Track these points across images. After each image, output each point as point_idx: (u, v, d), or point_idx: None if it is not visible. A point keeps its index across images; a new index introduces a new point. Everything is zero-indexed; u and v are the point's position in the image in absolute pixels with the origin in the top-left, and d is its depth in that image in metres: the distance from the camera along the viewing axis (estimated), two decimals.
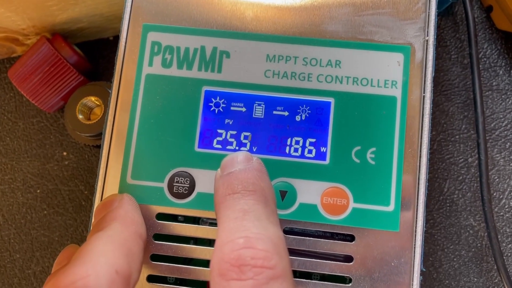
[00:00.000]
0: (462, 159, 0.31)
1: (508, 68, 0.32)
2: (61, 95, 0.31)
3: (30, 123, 0.33)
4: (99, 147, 0.30)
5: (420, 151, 0.24)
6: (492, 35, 0.32)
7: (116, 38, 0.34)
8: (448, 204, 0.31)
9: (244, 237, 0.19)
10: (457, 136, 0.32)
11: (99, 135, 0.29)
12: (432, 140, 0.32)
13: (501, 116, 0.32)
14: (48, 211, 0.32)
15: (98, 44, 0.34)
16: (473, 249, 0.30)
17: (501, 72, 0.32)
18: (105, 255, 0.19)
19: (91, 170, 0.32)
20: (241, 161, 0.22)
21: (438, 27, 0.32)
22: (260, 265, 0.18)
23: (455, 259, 0.30)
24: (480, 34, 0.32)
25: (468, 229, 0.31)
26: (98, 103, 0.30)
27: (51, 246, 0.32)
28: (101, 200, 0.24)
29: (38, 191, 0.33)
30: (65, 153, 0.33)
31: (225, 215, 0.20)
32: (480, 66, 0.32)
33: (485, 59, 0.32)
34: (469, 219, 0.31)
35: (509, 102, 0.32)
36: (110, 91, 0.25)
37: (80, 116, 0.30)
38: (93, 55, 0.33)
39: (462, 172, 0.31)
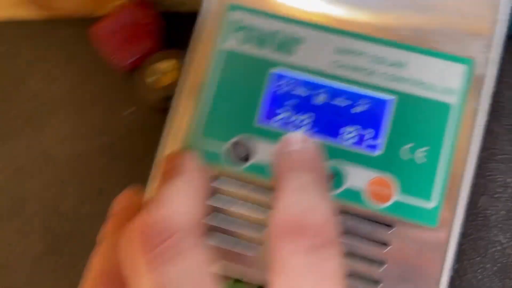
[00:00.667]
0: (501, 179, 0.33)
1: None
2: (136, 57, 0.33)
3: (102, 81, 0.36)
4: (166, 111, 0.33)
5: (469, 157, 0.25)
6: None
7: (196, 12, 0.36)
8: (480, 218, 0.32)
9: (300, 207, 0.21)
10: (499, 156, 0.33)
11: (168, 99, 0.32)
12: None
13: None
14: (107, 163, 0.35)
15: (180, 15, 0.36)
16: (498, 264, 0.32)
17: None
18: (186, 199, 0.21)
19: (154, 129, 0.35)
20: (300, 141, 0.24)
21: None
22: (313, 234, 0.20)
23: (479, 271, 0.32)
24: None
25: (496, 244, 0.32)
26: (170, 68, 0.32)
27: (105, 194, 0.34)
28: (165, 156, 0.27)
29: (99, 142, 0.35)
30: (130, 111, 0.35)
31: (283, 187, 0.22)
32: None
33: None
34: (499, 236, 0.32)
35: None
36: (184, 59, 0.28)
37: (151, 80, 0.32)
38: (173, 24, 0.36)
39: (499, 190, 0.32)
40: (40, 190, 0.35)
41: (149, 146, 0.34)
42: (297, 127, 0.27)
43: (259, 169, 0.26)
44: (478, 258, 0.32)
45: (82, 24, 0.36)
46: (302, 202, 0.21)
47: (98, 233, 0.24)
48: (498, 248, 0.32)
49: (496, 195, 0.32)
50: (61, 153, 0.35)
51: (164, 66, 0.32)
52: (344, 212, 0.26)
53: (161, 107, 0.33)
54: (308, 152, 0.23)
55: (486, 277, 0.32)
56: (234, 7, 0.28)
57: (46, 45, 0.37)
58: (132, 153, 0.35)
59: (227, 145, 0.26)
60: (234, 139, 0.26)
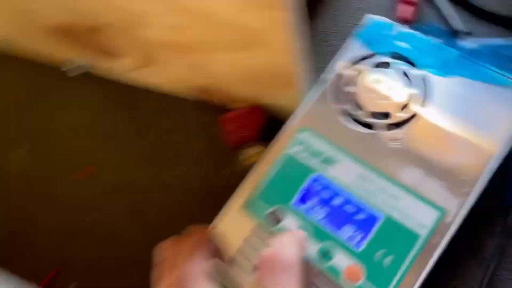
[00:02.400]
0: None
1: None
2: (241, 141, 0.51)
3: (215, 147, 0.54)
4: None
5: (420, 275, 0.36)
6: None
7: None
8: None
9: None
10: None
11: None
12: None
13: None
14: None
15: (277, 121, 0.53)
16: None
17: None
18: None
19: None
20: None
21: None
22: None
23: None
24: None
25: None
26: (255, 154, 0.49)
27: None
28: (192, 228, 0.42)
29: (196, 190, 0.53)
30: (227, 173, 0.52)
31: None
32: None
33: None
34: None
35: None
36: (265, 150, 0.44)
37: (242, 157, 0.49)
38: (270, 126, 0.53)
39: None
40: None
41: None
42: (316, 215, 0.40)
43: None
44: None
45: (217, 110, 0.55)
46: None
47: None
48: None
49: None
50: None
51: (253, 152, 0.49)
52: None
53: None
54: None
55: None
56: (302, 130, 0.43)
57: (184, 117, 0.57)
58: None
59: (270, 209, 0.41)
60: (274, 208, 0.41)
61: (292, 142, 0.43)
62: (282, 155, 0.43)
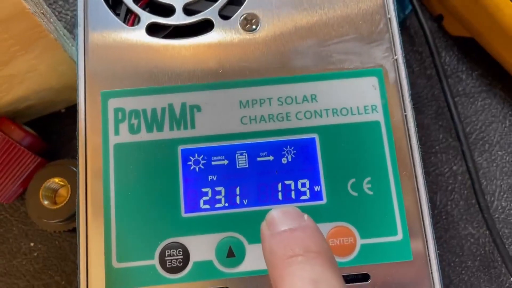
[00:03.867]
0: (447, 169, 0.31)
1: (470, 71, 0.32)
2: (19, 182, 0.28)
3: None
4: (70, 231, 0.28)
5: (415, 171, 0.23)
6: (447, 43, 0.33)
7: (69, 109, 0.31)
8: (444, 217, 0.30)
9: None
10: (437, 147, 0.31)
11: (70, 218, 0.27)
12: None
13: (474, 119, 0.32)
14: None
15: (50, 119, 0.31)
16: (478, 258, 0.30)
17: (464, 76, 0.32)
18: None
19: (64, 257, 0.29)
20: (294, 218, 0.19)
21: None
22: None
23: (463, 272, 0.30)
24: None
25: (468, 238, 0.30)
26: (62, 183, 0.27)
27: None
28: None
29: None
30: (32, 244, 0.29)
31: (290, 284, 0.17)
32: None
33: (445, 66, 0.32)
34: (468, 228, 0.30)
35: (478, 104, 0.32)
36: (76, 169, 0.23)
37: (45, 202, 0.27)
38: (46, 132, 0.31)
39: (450, 182, 0.31)
40: None
41: (68, 276, 0.29)
42: (229, 202, 0.23)
43: (202, 271, 0.22)
44: (457, 259, 0.30)
45: None
46: None
47: None
48: (472, 240, 0.30)
49: (449, 188, 0.31)
50: None
51: (56, 182, 0.27)
52: None
53: (67, 229, 0.28)
54: (308, 230, 0.18)
55: (472, 276, 0.29)
56: (108, 94, 0.24)
57: None
58: None
59: (156, 256, 0.22)
60: (161, 246, 0.22)
61: (110, 126, 0.23)
62: (111, 154, 0.23)
